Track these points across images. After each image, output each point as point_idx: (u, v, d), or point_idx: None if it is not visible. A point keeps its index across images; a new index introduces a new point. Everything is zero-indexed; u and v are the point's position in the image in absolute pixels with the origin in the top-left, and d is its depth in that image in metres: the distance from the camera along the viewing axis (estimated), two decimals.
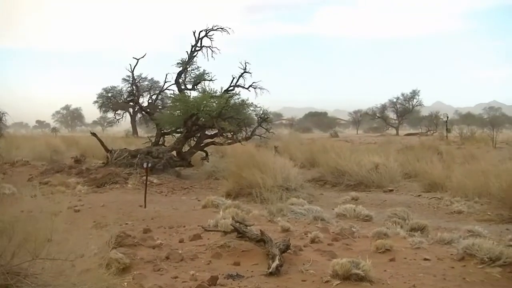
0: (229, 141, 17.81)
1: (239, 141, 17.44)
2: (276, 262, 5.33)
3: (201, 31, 18.54)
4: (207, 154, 18.32)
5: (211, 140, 18.10)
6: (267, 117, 18.47)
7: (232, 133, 17.53)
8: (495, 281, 5.15)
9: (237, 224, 6.48)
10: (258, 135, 18.59)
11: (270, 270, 5.25)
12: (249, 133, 18.23)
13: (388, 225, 8.07)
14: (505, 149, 27.68)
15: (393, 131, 67.90)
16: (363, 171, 14.51)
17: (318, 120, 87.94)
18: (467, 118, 75.90)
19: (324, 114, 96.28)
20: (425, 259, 5.87)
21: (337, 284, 4.94)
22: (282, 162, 13.09)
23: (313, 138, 34.31)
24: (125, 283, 4.79)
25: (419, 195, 12.76)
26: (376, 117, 75.56)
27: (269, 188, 11.48)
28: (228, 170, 14.08)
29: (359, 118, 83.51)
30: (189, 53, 18.73)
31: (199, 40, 18.58)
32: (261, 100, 47.33)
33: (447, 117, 55.88)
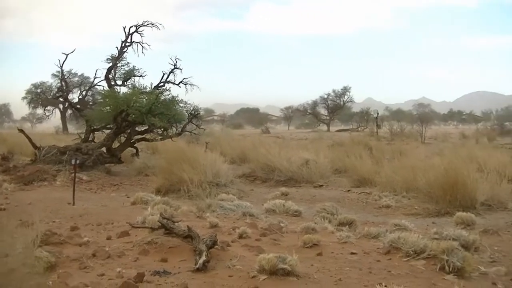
0: (160, 137, 17.91)
1: (170, 137, 17.54)
2: (203, 258, 5.37)
3: (131, 26, 18.63)
4: (137, 151, 18.32)
5: (142, 136, 18.17)
6: (198, 113, 18.59)
7: (162, 129, 17.67)
8: (419, 273, 5.38)
9: (165, 220, 6.48)
10: (188, 131, 18.75)
11: (197, 266, 5.28)
12: (180, 130, 18.24)
13: (316, 220, 8.26)
14: (433, 145, 28.81)
15: (324, 127, 69.13)
16: (294, 167, 14.77)
17: (249, 116, 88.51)
18: (397, 114, 78.29)
19: (256, 110, 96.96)
20: (352, 253, 6.06)
21: (263, 279, 5.02)
22: (212, 158, 13.14)
23: (245, 134, 34.53)
24: (50, 282, 4.71)
25: (348, 190, 13.10)
26: (308, 113, 76.78)
27: (199, 184, 11.54)
28: (158, 167, 14.04)
29: (291, 114, 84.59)
30: (119, 48, 18.71)
31: (129, 36, 18.65)
32: (193, 96, 47.46)
33: (378, 114, 57.48)
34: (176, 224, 6.47)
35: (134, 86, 18.17)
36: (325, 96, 73.96)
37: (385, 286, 4.65)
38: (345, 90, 73.68)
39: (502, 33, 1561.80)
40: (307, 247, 6.27)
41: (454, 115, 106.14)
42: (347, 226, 7.83)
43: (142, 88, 17.94)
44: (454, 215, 8.83)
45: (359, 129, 59.91)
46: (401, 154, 17.68)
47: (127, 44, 18.68)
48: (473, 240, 6.63)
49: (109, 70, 18.74)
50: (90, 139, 18.16)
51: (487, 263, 6.15)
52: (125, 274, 5.09)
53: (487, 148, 20.48)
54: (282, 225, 7.78)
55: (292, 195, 12.15)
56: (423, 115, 64.22)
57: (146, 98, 16.89)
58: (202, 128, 19.47)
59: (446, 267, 5.43)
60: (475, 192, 9.99)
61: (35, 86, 50.26)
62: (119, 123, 17.05)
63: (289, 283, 4.99)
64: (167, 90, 18.30)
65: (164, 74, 18.58)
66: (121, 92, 17.99)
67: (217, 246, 5.90)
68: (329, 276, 5.21)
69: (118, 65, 18.92)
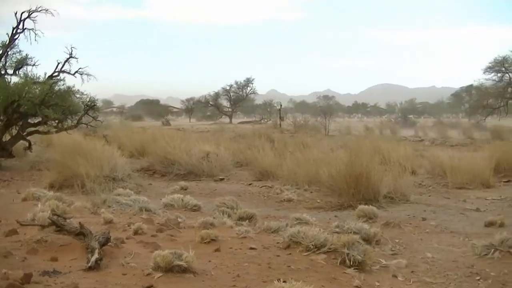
0: (55, 129, 17.43)
1: (65, 130, 17.11)
2: (95, 255, 5.20)
3: (23, 12, 18.00)
4: (30, 144, 17.62)
5: (35, 128, 17.59)
6: (94, 105, 18.16)
7: (57, 121, 17.22)
8: (319, 267, 5.45)
9: (55, 217, 6.22)
10: (85, 124, 18.29)
11: (89, 265, 5.11)
12: (75, 122, 17.76)
13: (215, 214, 8.22)
14: (337, 137, 29.55)
15: (227, 120, 69.51)
16: (194, 160, 14.71)
17: (150, 108, 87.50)
18: (301, 106, 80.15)
19: (156, 102, 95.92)
20: (251, 248, 6.05)
21: (158, 277, 4.91)
22: (110, 152, 12.87)
23: (145, 127, 34.00)
24: None
25: (250, 184, 13.20)
26: (209, 105, 76.97)
27: (95, 179, 11.25)
28: (52, 161, 13.58)
29: (192, 106, 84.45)
30: (10, 35, 18.05)
31: (21, 22, 18.03)
32: (91, 87, 46.14)
33: (281, 106, 58.38)
34: (67, 220, 6.22)
35: (26, 76, 17.46)
36: (228, 88, 74.41)
37: (284, 281, 4.65)
38: (248, 81, 74.51)
39: (408, 27, 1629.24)
40: (205, 242, 6.20)
41: (358, 108, 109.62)
42: (247, 220, 7.84)
43: (35, 78, 17.32)
44: (357, 208, 9.05)
45: (262, 121, 60.67)
46: (304, 147, 17.98)
47: (19, 31, 18.08)
48: (374, 233, 6.82)
49: None
50: None
51: (388, 255, 6.36)
52: (11, 276, 4.82)
53: (391, 140, 21.25)
54: (179, 220, 7.69)
55: (191, 189, 12.09)
56: (327, 107, 65.93)
57: (39, 88, 16.34)
58: (99, 120, 19.01)
59: (347, 261, 5.53)
60: (378, 185, 10.31)
61: None
62: (10, 114, 16.41)
63: (185, 281, 4.90)
64: (62, 80, 17.98)
65: (58, 63, 18.25)
66: (12, 82, 17.32)
67: (110, 243, 5.72)
68: (227, 272, 5.17)
69: (9, 53, 18.18)
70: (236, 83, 74.39)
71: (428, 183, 13.26)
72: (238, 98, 73.94)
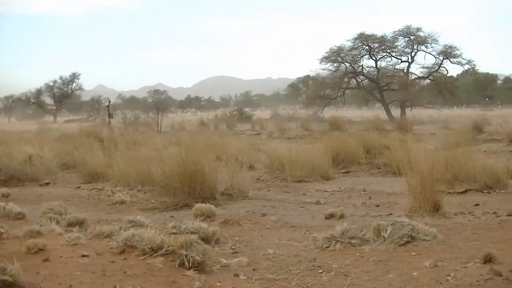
0: None
1: None
2: None
3: None
4: None
5: None
6: None
7: None
8: (157, 271, 5.50)
9: None
10: None
11: None
12: None
13: (42, 222, 7.99)
14: (170, 134, 29.67)
15: (51, 118, 67.18)
16: (15, 163, 14.15)
17: None
18: (131, 102, 79.33)
19: None
20: (83, 256, 5.96)
21: None
22: None
23: None
24: None
25: (78, 187, 12.94)
26: (31, 103, 74.01)
27: None
28: None
29: (11, 105, 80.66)
30: None
31: None
32: None
33: (109, 102, 57.41)
34: None
35: None
36: (51, 84, 71.95)
37: None
38: (74, 76, 72.56)
39: (242, 17, 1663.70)
40: (32, 253, 6.01)
41: (192, 102, 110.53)
42: (77, 226, 7.68)
43: None
44: (193, 207, 9.19)
45: (90, 119, 59.35)
46: (136, 145, 17.89)
47: None
48: (213, 232, 6.97)
49: None
50: None
51: (228, 254, 6.54)
52: None
53: (227, 135, 21.74)
54: (1, 230, 7.38)
55: (14, 196, 11.66)
56: (159, 102, 65.78)
57: None
58: None
59: (186, 263, 5.62)
60: (214, 182, 10.52)
61: None
62: None
63: None
64: None
65: None
66: None
67: None
68: (57, 283, 5.07)
69: None
70: (61, 78, 72.15)
71: (267, 177, 13.74)
72: (63, 95, 71.86)
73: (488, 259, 5.65)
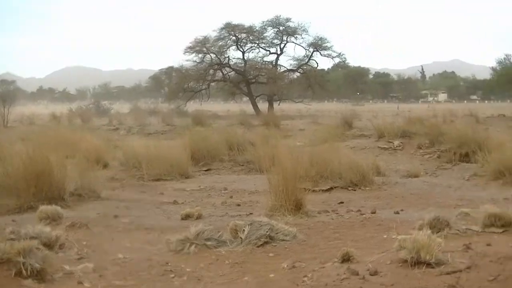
0: None
1: None
2: None
3: None
4: None
5: None
6: None
7: None
8: None
9: None
10: None
11: None
12: None
13: None
14: (18, 129, 28.61)
15: None
16: None
17: None
18: None
19: None
20: None
21: None
22: None
23: None
24: None
25: None
26: None
27: None
28: None
29: None
30: None
31: None
32: None
33: None
34: None
35: None
36: None
37: None
38: None
39: (98, 3, 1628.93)
40: None
41: (45, 94, 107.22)
42: None
43: None
44: (38, 209, 8.86)
45: None
46: None
47: None
48: (57, 236, 6.74)
49: None
50: None
51: (74, 260, 6.34)
52: None
53: (81, 130, 21.19)
54: None
55: None
56: (5, 93, 63.29)
57: None
58: None
59: (24, 271, 5.40)
60: (63, 182, 10.20)
61: None
62: None
63: None
64: None
65: None
66: None
67: None
68: None
69: None
70: None
71: (122, 176, 13.54)
72: None
73: (346, 258, 5.84)
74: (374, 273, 5.31)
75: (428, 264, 5.31)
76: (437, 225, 6.98)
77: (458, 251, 5.74)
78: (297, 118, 41.44)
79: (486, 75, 58.64)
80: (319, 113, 47.82)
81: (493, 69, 39.33)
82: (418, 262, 5.33)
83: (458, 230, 7.18)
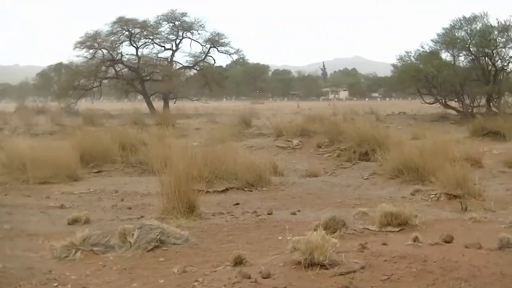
0: None
1: None
2: None
3: None
4: None
5: None
6: None
7: None
8: None
9: None
10: None
11: None
12: None
13: None
14: None
15: None
16: None
17: None
18: None
19: None
20: None
21: None
22: None
23: None
24: None
25: None
26: None
27: None
28: None
29: None
30: None
31: None
32: None
33: None
34: None
35: None
36: None
37: None
38: None
39: None
40: None
41: None
42: None
43: None
44: None
45: None
46: None
47: None
48: None
49: None
50: None
51: None
52: None
53: None
54: None
55: None
56: None
57: None
58: None
59: None
60: None
61: None
62: None
63: None
64: None
65: None
66: None
67: None
68: None
69: None
70: None
71: (5, 179, 13.06)
72: None
73: (238, 262, 5.85)
74: (267, 276, 5.33)
75: (322, 265, 5.38)
76: (333, 225, 7.13)
77: (354, 251, 5.85)
78: (194, 117, 41.29)
79: (386, 72, 60.18)
80: (217, 111, 47.87)
81: (393, 65, 40.55)
82: (311, 264, 5.39)
83: (355, 230, 7.37)
